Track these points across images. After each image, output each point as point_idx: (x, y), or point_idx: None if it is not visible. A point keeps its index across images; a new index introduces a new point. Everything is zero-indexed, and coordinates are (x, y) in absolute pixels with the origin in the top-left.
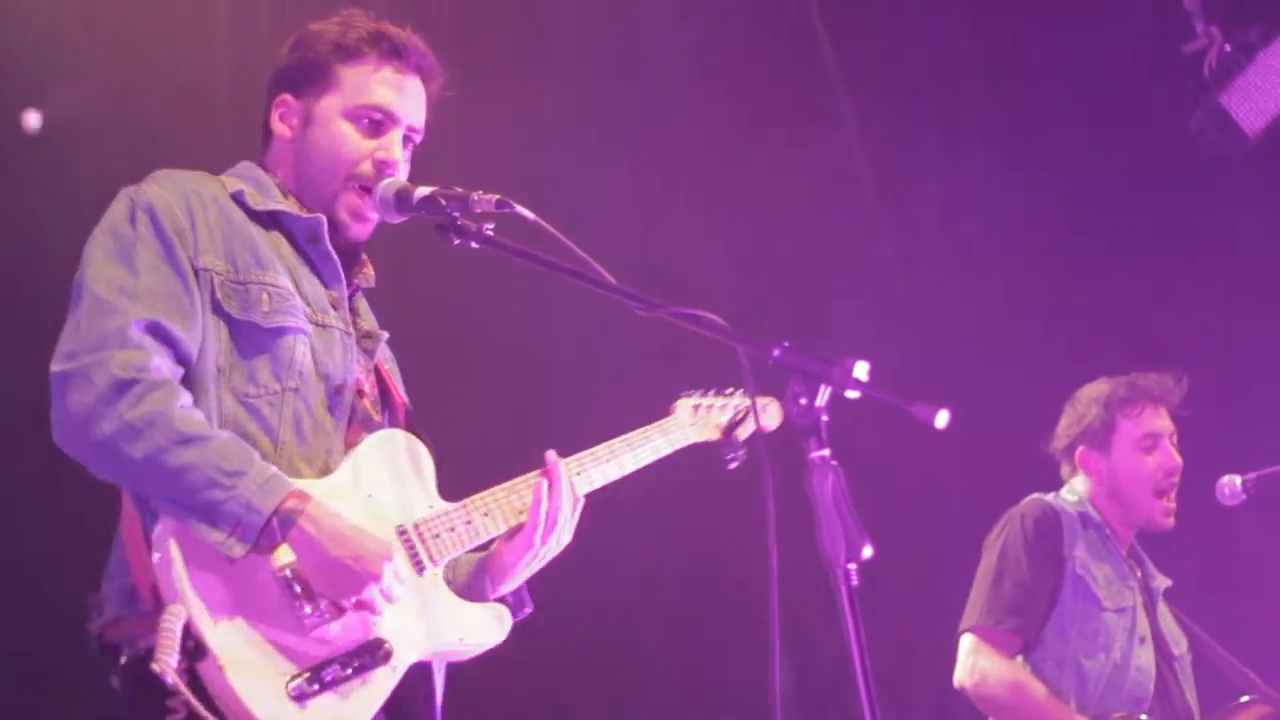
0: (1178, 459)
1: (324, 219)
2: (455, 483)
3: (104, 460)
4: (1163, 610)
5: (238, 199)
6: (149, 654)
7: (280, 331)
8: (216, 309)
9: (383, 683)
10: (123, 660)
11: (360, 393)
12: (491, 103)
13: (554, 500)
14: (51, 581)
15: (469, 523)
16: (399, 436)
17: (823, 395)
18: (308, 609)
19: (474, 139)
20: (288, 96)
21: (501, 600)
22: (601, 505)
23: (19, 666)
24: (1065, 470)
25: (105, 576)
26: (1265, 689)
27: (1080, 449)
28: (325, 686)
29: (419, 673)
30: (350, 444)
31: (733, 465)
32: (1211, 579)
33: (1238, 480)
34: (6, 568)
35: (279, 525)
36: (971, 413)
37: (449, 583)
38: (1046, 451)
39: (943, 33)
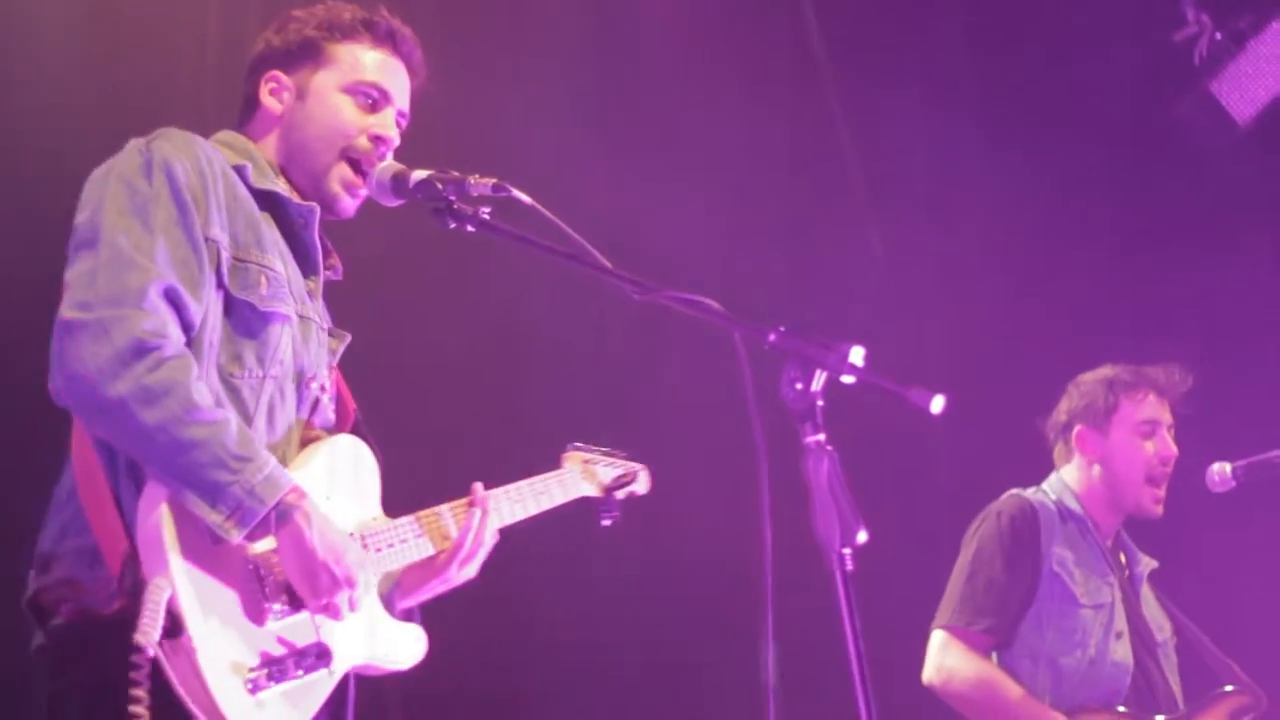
0: (1173, 449)
1: (317, 208)
2: (396, 496)
3: (111, 420)
4: (1146, 595)
5: (240, 173)
6: (108, 623)
7: (271, 317)
8: (219, 283)
9: (322, 687)
10: (58, 620)
11: (322, 389)
12: (474, 90)
13: (480, 534)
14: None
15: (404, 542)
16: (351, 442)
17: (818, 380)
18: (273, 604)
19: (455, 125)
20: (278, 73)
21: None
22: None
23: None
24: (1059, 452)
25: (51, 533)
26: (1245, 680)
27: (1079, 427)
28: (277, 681)
29: (342, 681)
30: (305, 442)
31: (606, 523)
32: (1199, 564)
33: (1228, 467)
34: None
35: (276, 518)
36: (957, 401)
37: None
38: (1042, 430)
39: (930, 18)
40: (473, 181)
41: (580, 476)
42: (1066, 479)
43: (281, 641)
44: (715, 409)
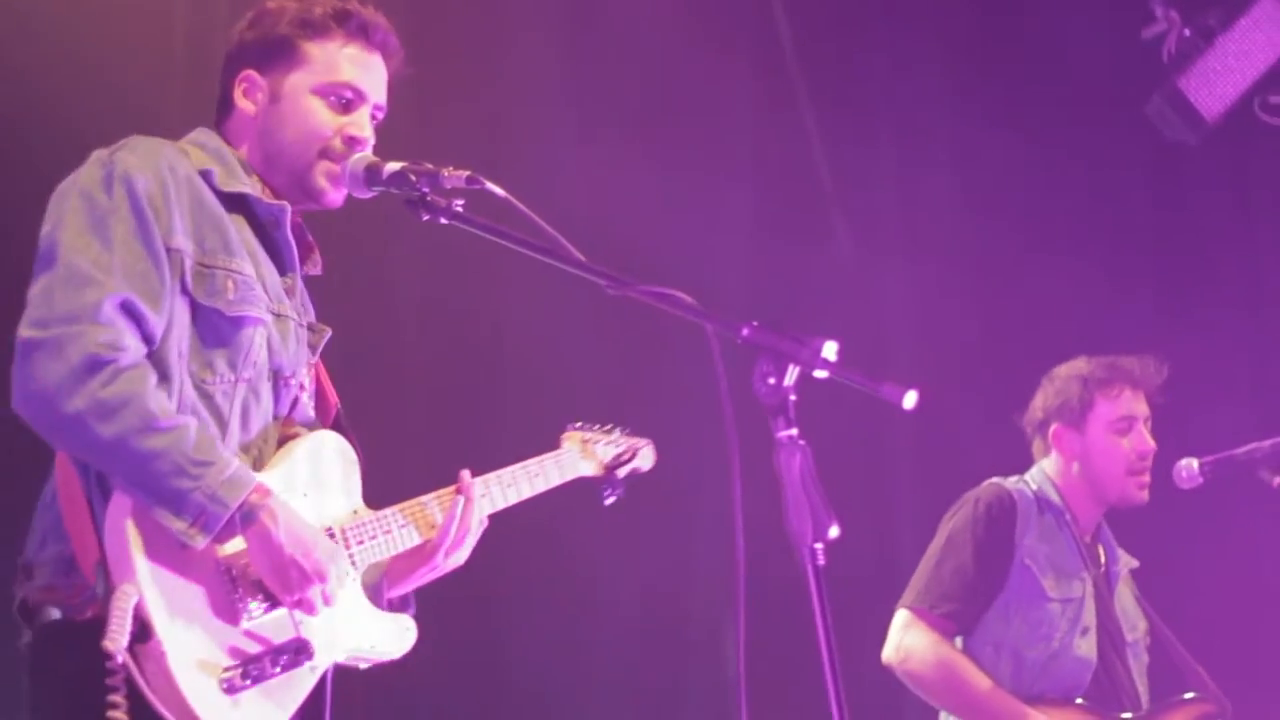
0: (1151, 443)
1: (288, 206)
2: (382, 488)
3: (70, 435)
4: (1123, 593)
5: (206, 178)
6: (86, 627)
7: (241, 321)
8: (184, 291)
9: (304, 682)
10: (44, 620)
11: (301, 386)
12: (449, 83)
13: (465, 521)
14: None
15: (388, 533)
16: (331, 438)
17: (791, 375)
18: (248, 603)
19: (431, 118)
20: (252, 73)
21: (392, 602)
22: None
23: None
24: (1037, 446)
25: (35, 540)
26: (1212, 688)
27: (1055, 425)
28: (254, 680)
29: (320, 682)
30: (285, 439)
31: (609, 502)
32: (1177, 563)
33: (1195, 463)
34: None
35: (241, 519)
36: (926, 396)
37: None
38: (1019, 425)
39: (901, 22)
40: (446, 174)
41: (579, 456)
42: (1048, 470)
43: (259, 639)
44: (692, 401)
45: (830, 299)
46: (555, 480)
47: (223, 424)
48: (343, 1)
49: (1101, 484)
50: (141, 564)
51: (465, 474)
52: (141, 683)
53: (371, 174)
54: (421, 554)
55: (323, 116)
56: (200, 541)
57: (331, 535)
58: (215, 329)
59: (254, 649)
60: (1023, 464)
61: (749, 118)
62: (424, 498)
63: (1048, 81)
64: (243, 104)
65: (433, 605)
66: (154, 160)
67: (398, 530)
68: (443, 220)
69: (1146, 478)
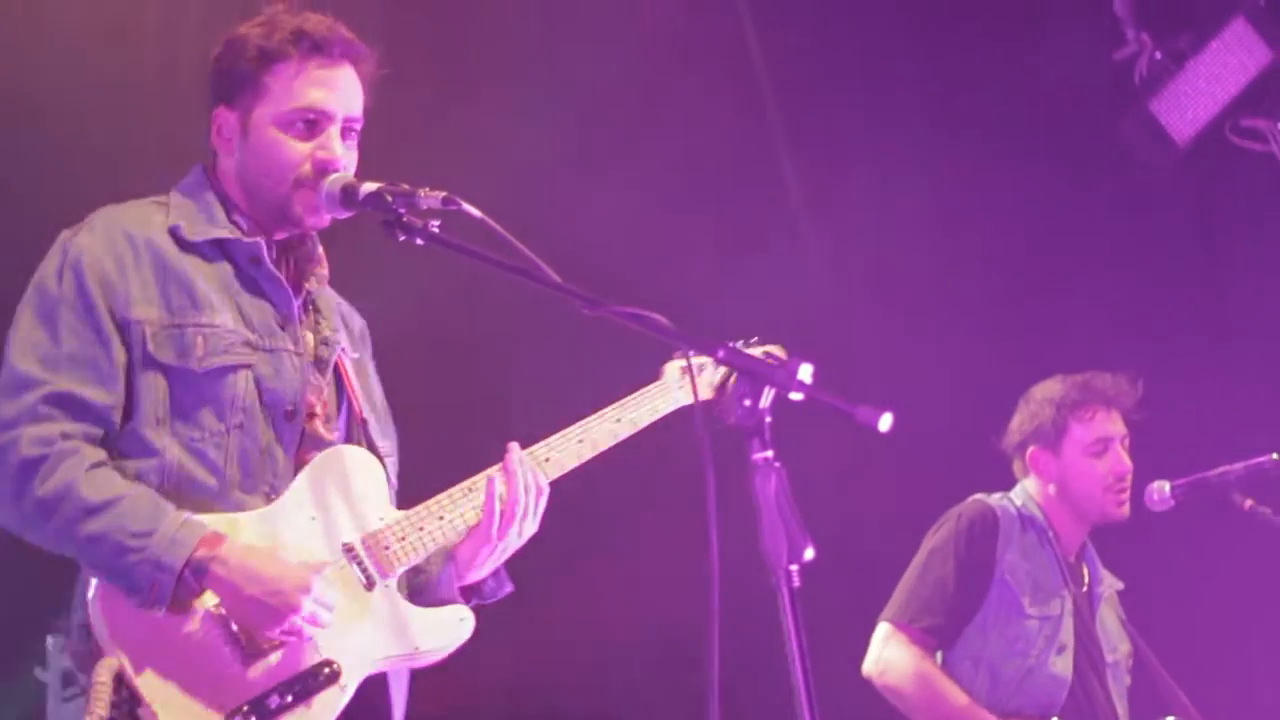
0: (1128, 463)
1: (263, 242)
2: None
3: (27, 534)
4: (1106, 614)
5: (174, 234)
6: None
7: (219, 373)
8: (149, 362)
9: (331, 703)
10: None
11: (311, 414)
12: (422, 103)
13: (511, 493)
14: None
15: (421, 529)
16: (346, 451)
17: (767, 396)
18: (244, 643)
19: (407, 139)
20: (222, 109)
21: (478, 585)
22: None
23: None
24: (1016, 468)
25: (69, 605)
26: (1191, 712)
27: (1031, 448)
28: (268, 716)
29: (374, 687)
30: (300, 466)
31: (733, 421)
32: (1156, 585)
33: (1166, 486)
34: None
35: (192, 576)
36: (901, 414)
37: (421, 579)
38: (998, 447)
39: (873, 29)
40: (422, 195)
41: (675, 386)
42: (1029, 490)
43: (272, 674)
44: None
45: (802, 317)
46: (644, 420)
47: (219, 475)
48: (299, 21)
49: (1080, 504)
50: (120, 637)
51: (512, 446)
52: None
53: (347, 195)
54: (475, 538)
55: (289, 148)
56: (159, 609)
57: (349, 550)
58: (192, 388)
59: (266, 684)
60: (1000, 483)
61: (720, 136)
62: (470, 480)
63: (1020, 103)
64: (219, 145)
65: None
66: (111, 236)
67: (433, 524)
68: (419, 241)
69: (1125, 495)
